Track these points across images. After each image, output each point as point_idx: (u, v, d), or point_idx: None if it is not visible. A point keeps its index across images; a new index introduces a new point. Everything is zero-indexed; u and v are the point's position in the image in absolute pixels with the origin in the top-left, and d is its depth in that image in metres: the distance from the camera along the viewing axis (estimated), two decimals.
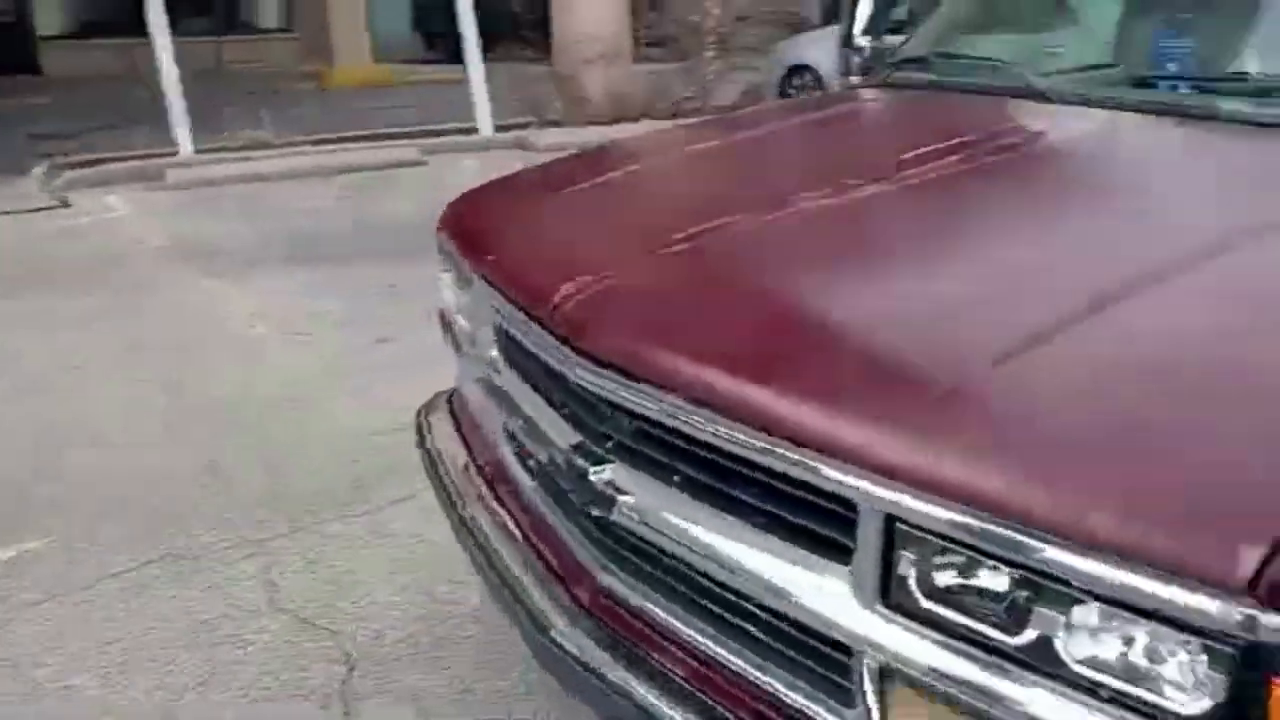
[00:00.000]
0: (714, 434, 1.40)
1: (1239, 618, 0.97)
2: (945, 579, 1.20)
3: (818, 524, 1.32)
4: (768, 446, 1.33)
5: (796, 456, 1.29)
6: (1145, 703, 1.05)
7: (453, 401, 2.56)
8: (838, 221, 1.77)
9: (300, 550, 3.10)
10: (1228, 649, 0.99)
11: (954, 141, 2.01)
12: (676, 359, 1.47)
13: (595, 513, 1.63)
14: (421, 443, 2.49)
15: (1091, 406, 1.20)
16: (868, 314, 1.49)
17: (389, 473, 3.43)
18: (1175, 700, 1.04)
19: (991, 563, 1.15)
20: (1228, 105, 2.03)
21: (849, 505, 1.26)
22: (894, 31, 3.34)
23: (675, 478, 1.52)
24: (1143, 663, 1.06)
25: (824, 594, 1.31)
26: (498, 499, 2.11)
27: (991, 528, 1.12)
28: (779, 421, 1.31)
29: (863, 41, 3.17)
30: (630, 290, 1.64)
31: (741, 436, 1.36)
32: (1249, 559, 0.97)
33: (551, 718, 2.34)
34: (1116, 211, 1.76)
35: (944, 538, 1.17)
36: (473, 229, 2.20)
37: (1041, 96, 2.30)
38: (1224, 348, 1.27)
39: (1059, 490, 1.09)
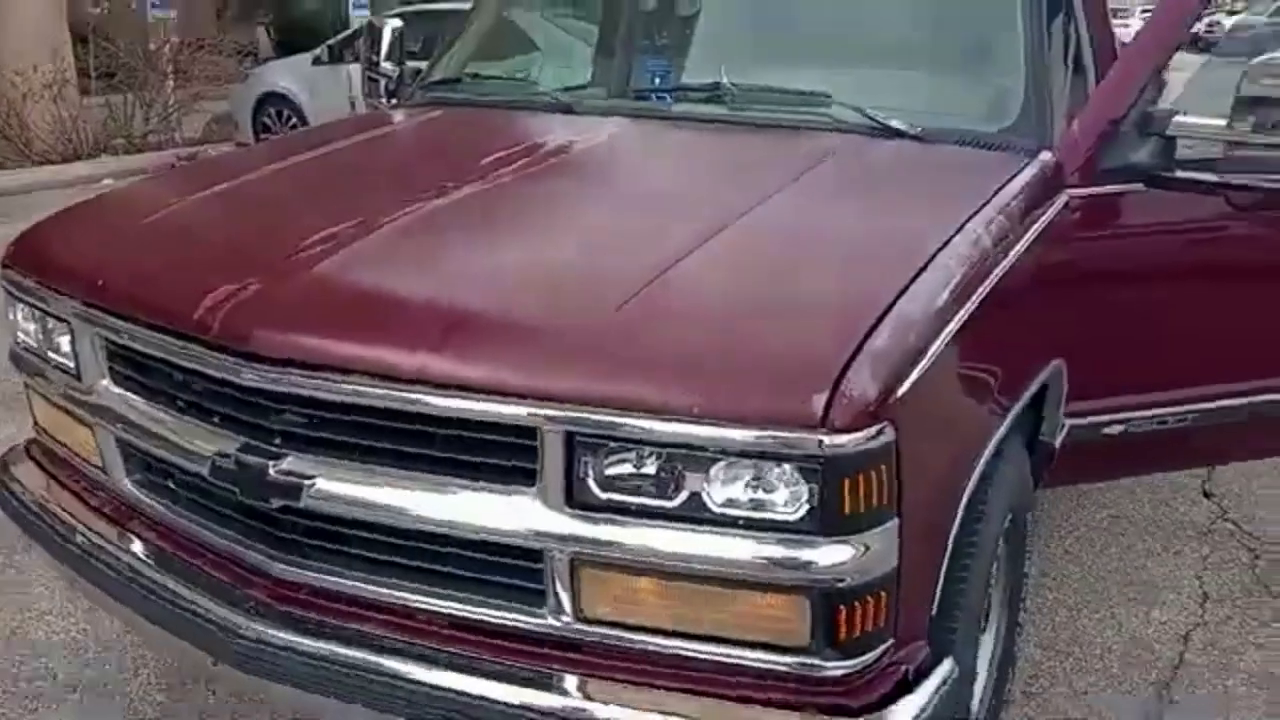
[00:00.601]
0: (400, 404, 1.62)
1: (817, 443, 1.44)
2: (615, 472, 1.55)
3: (503, 458, 1.61)
4: (452, 403, 1.59)
5: (482, 405, 1.57)
6: (768, 521, 1.50)
7: (32, 452, 2.42)
8: (453, 215, 2.05)
9: None
10: (813, 467, 1.46)
11: (517, 147, 2.39)
12: (350, 344, 1.66)
13: (279, 504, 1.75)
14: (8, 500, 2.33)
15: (685, 329, 1.63)
16: (508, 285, 1.80)
17: None
18: (785, 512, 1.49)
19: (646, 450, 1.53)
20: (702, 108, 2.65)
21: (531, 434, 1.56)
22: (412, 57, 3.67)
23: (356, 454, 1.71)
24: (761, 495, 1.50)
25: (517, 514, 1.60)
26: (133, 532, 2.08)
27: (642, 423, 1.50)
28: (465, 380, 1.58)
29: (387, 66, 3.46)
30: (282, 293, 1.77)
31: (428, 399, 1.60)
32: (818, 406, 1.44)
33: None
34: (650, 191, 2.27)
35: (611, 439, 1.53)
36: (65, 258, 2.13)
37: (567, 109, 2.77)
38: (760, 275, 1.78)
39: (687, 386, 1.50)
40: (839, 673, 1.57)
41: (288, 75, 10.60)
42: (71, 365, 2.11)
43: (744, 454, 1.48)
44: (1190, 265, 2.58)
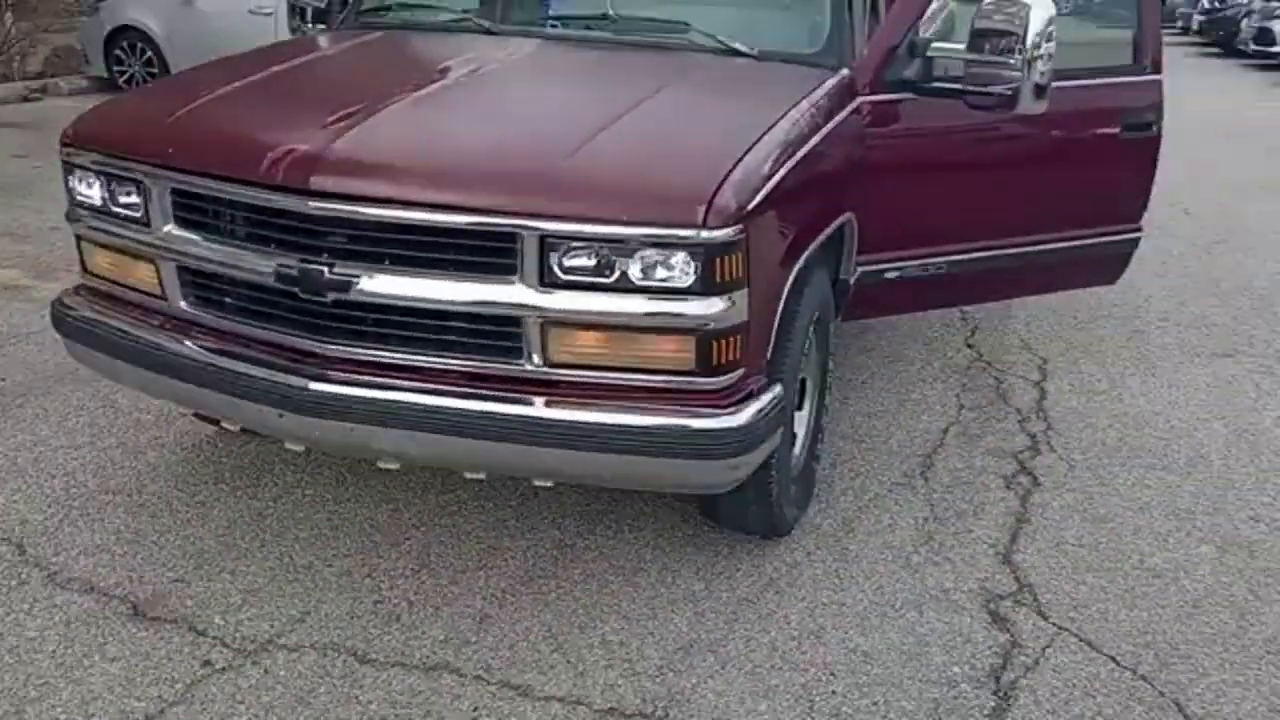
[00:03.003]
0: (421, 223, 2.45)
1: (701, 236, 2.37)
2: (571, 263, 2.43)
3: (494, 257, 2.46)
4: (459, 219, 2.44)
5: (480, 220, 2.43)
6: (670, 289, 2.42)
7: (81, 293, 3.09)
8: (434, 99, 2.87)
9: None
10: (697, 251, 2.38)
11: (462, 56, 3.21)
12: (384, 182, 2.48)
13: (332, 297, 2.54)
14: (70, 324, 3.00)
15: (615, 169, 2.52)
16: (492, 142, 2.66)
17: None
18: (680, 282, 2.41)
19: (593, 246, 2.41)
20: (595, 33, 3.53)
21: (513, 239, 2.42)
22: None
23: (387, 261, 2.53)
24: (664, 271, 2.41)
25: (505, 293, 2.47)
26: (191, 337, 2.82)
27: (590, 228, 2.39)
28: (468, 204, 2.43)
29: None
30: (327, 149, 2.53)
31: (442, 218, 2.44)
32: (700, 214, 2.37)
33: None
34: (573, 85, 3.18)
35: (570, 239, 2.41)
36: (133, 133, 2.83)
37: (488, 32, 3.58)
38: (659, 137, 2.68)
39: (619, 204, 2.40)
40: (711, 387, 2.53)
41: (143, 8, 10.54)
42: (140, 215, 2.81)
43: (654, 245, 2.39)
44: (943, 152, 3.64)
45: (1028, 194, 3.76)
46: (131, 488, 3.46)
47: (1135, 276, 4.46)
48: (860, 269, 3.53)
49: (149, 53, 10.55)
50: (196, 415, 3.47)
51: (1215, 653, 2.89)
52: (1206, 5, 19.73)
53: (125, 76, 10.75)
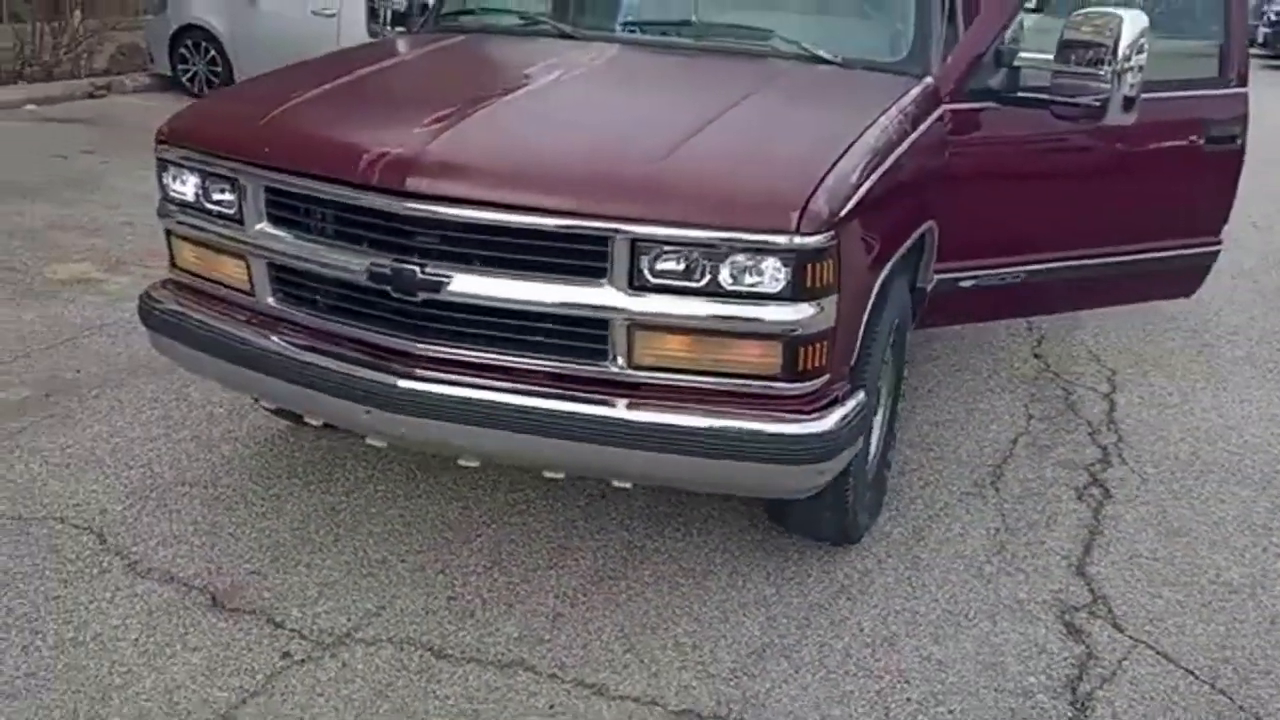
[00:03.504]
0: (516, 225, 2.47)
1: (794, 242, 2.37)
2: (662, 266, 2.44)
3: (586, 260, 2.47)
4: (552, 222, 2.45)
5: (573, 223, 2.44)
6: (760, 293, 2.42)
7: (168, 287, 3.15)
8: (525, 102, 2.89)
9: None
10: (789, 257, 2.38)
11: (548, 60, 3.23)
12: (480, 186, 2.50)
13: (424, 297, 2.57)
14: (156, 317, 3.06)
15: (709, 174, 2.52)
16: (585, 145, 2.67)
17: None
18: (770, 288, 2.41)
19: (685, 250, 2.42)
20: (678, 39, 3.54)
21: (605, 242, 2.43)
22: None
23: (480, 263, 2.55)
24: (757, 275, 2.41)
25: (597, 296, 2.48)
26: (279, 334, 2.85)
27: (683, 232, 2.40)
28: (562, 208, 2.44)
29: None
30: (423, 152, 2.56)
31: (536, 221, 2.46)
32: (794, 220, 2.37)
33: None
34: (662, 90, 3.19)
35: (661, 243, 2.41)
36: (229, 131, 2.88)
37: (569, 36, 3.60)
38: (752, 142, 2.69)
39: (713, 210, 2.40)
40: (796, 392, 2.53)
41: (208, 7, 10.67)
42: (233, 211, 2.86)
43: (746, 250, 2.39)
44: (1025, 162, 3.61)
45: (1108, 205, 3.72)
46: (207, 480, 3.51)
47: (1204, 289, 4.39)
48: (937, 276, 3.51)
49: (212, 52, 10.68)
50: (274, 411, 3.52)
51: None
52: (1273, 17, 19.34)
53: (189, 75, 10.89)
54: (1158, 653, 2.89)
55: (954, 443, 4.01)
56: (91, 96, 10.56)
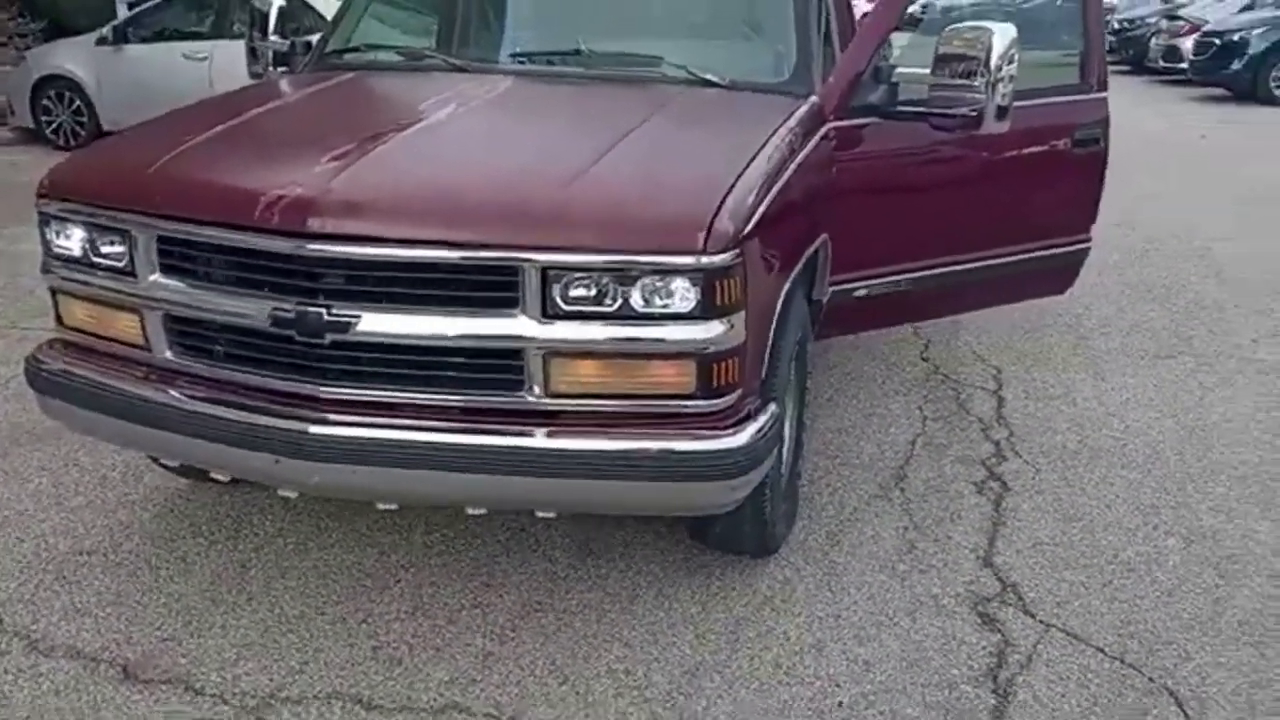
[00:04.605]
0: (421, 260, 2.46)
1: (702, 262, 2.41)
2: (574, 293, 2.46)
3: (498, 292, 2.47)
4: (459, 255, 2.44)
5: (481, 255, 2.44)
6: (671, 314, 2.45)
7: (55, 348, 3.02)
8: (421, 136, 2.87)
9: None
10: (698, 277, 2.43)
11: (440, 95, 3.22)
12: (381, 222, 2.47)
13: (331, 339, 2.53)
14: (45, 380, 2.93)
15: (614, 200, 2.55)
16: (488, 177, 2.67)
17: None
18: (680, 308, 2.45)
19: (595, 276, 2.44)
20: (568, 68, 3.58)
21: (514, 272, 2.44)
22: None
23: (386, 300, 2.52)
24: (667, 296, 2.45)
25: (507, 327, 2.48)
26: (177, 388, 2.76)
27: (592, 258, 2.42)
28: (468, 240, 2.44)
29: (275, 40, 4.14)
30: (321, 192, 2.51)
31: (442, 255, 2.45)
32: (700, 240, 2.42)
33: None
34: (557, 119, 3.21)
35: (572, 269, 2.43)
36: (116, 181, 2.78)
37: (461, 69, 3.60)
38: (653, 167, 2.73)
39: (621, 235, 2.43)
40: (711, 409, 2.57)
41: (69, 56, 10.30)
42: (124, 264, 2.76)
43: (655, 272, 2.43)
44: (907, 172, 3.76)
45: (986, 210, 3.90)
46: (106, 547, 3.36)
47: (1075, 285, 4.64)
48: (831, 288, 3.62)
49: (77, 102, 10.30)
50: (175, 469, 3.39)
51: (1195, 637, 3.00)
52: (1116, 25, 20.57)
53: (53, 127, 10.47)
54: (1068, 634, 3.02)
55: (856, 448, 4.13)
56: (161, 118, 10.03)
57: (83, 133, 10.28)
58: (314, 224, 2.47)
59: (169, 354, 2.79)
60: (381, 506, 2.84)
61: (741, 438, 2.58)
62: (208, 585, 3.17)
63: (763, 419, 2.67)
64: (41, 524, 3.49)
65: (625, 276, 2.43)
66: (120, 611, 3.04)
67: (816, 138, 3.26)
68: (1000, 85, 3.28)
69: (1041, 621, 3.08)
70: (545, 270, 2.44)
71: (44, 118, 10.47)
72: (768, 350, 2.77)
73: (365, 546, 3.37)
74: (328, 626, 2.99)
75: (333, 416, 2.58)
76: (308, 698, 2.71)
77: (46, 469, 3.85)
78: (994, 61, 3.25)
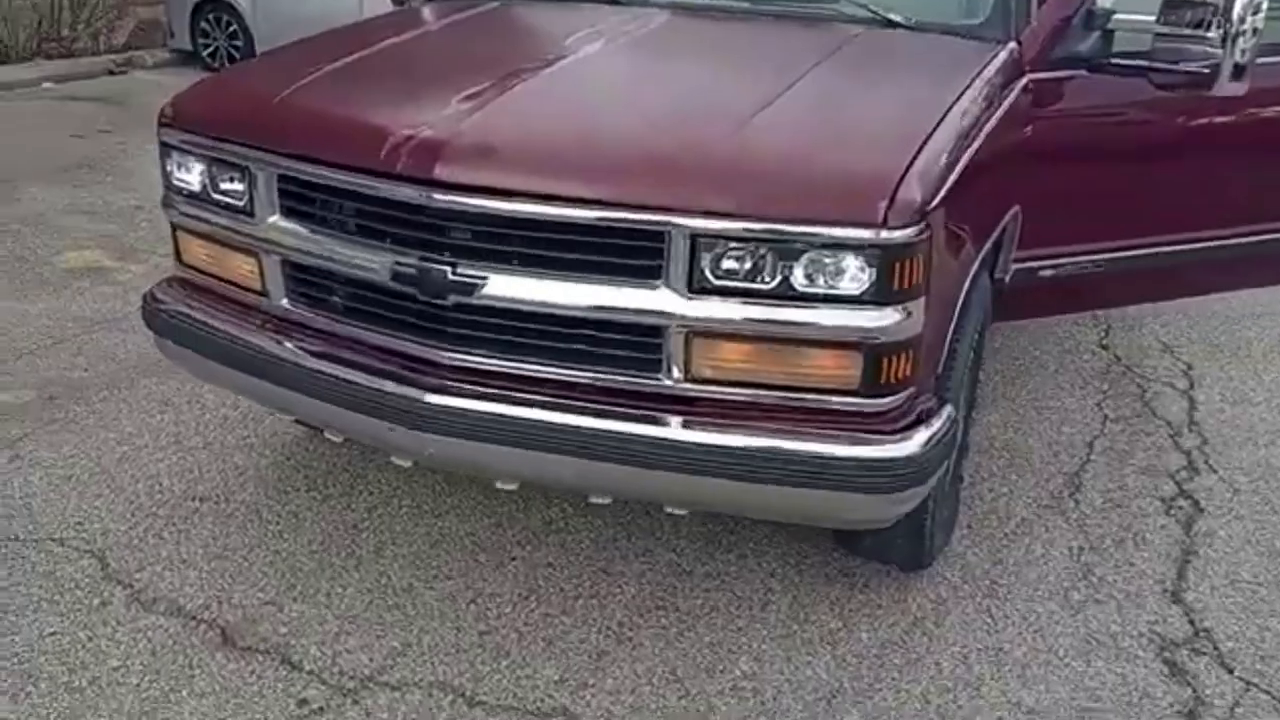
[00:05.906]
0: (559, 219, 2.15)
1: (881, 237, 2.04)
2: (726, 266, 2.12)
3: (640, 259, 2.15)
4: (600, 215, 2.13)
5: (624, 216, 2.12)
6: (842, 295, 2.09)
7: (173, 286, 2.86)
8: (567, 77, 2.56)
9: None
10: (875, 254, 2.06)
11: (591, 28, 2.90)
12: (519, 174, 2.18)
13: (454, 300, 2.26)
14: (162, 321, 2.77)
15: (779, 158, 2.19)
16: (637, 126, 2.34)
17: None
18: (850, 289, 2.09)
19: (751, 246, 2.09)
20: (731, 2, 3.21)
21: (659, 238, 2.11)
22: None
23: (518, 261, 2.23)
24: (835, 276, 2.09)
25: (652, 300, 2.16)
26: (292, 339, 2.55)
27: (750, 225, 2.07)
28: (611, 198, 2.12)
29: None
30: (455, 136, 2.24)
31: (581, 214, 2.14)
32: (880, 211, 2.04)
33: None
34: (719, 61, 2.84)
35: (725, 237, 2.09)
36: (235, 110, 2.58)
37: (613, 1, 3.25)
38: (828, 120, 2.35)
39: (786, 199, 2.07)
40: (877, 409, 2.20)
41: None
42: (243, 203, 2.56)
43: (824, 246, 2.07)
44: (1119, 138, 3.24)
45: (1213, 183, 3.35)
46: (219, 494, 3.24)
47: None
48: (1014, 267, 3.17)
49: (234, 25, 10.43)
50: (296, 420, 3.23)
51: None
52: None
53: (210, 50, 10.65)
54: (1273, 698, 2.56)
55: (1025, 446, 3.67)
56: (111, 74, 10.29)
57: (238, 57, 10.39)
58: (441, 171, 2.20)
59: (285, 302, 2.59)
60: (500, 485, 2.58)
61: (911, 445, 2.21)
62: (317, 546, 3.00)
63: (937, 423, 2.29)
64: (159, 463, 3.39)
65: (788, 250, 2.08)
66: (225, 567, 2.90)
67: (1015, 92, 2.81)
68: (1241, 40, 2.75)
69: (1241, 679, 2.63)
70: (694, 237, 2.10)
71: (202, 41, 10.64)
72: (947, 342, 2.38)
73: (481, 516, 3.15)
74: (435, 603, 2.78)
75: (452, 385, 2.33)
76: (408, 684, 2.50)
77: (170, 404, 3.77)
78: (1236, 11, 2.72)
